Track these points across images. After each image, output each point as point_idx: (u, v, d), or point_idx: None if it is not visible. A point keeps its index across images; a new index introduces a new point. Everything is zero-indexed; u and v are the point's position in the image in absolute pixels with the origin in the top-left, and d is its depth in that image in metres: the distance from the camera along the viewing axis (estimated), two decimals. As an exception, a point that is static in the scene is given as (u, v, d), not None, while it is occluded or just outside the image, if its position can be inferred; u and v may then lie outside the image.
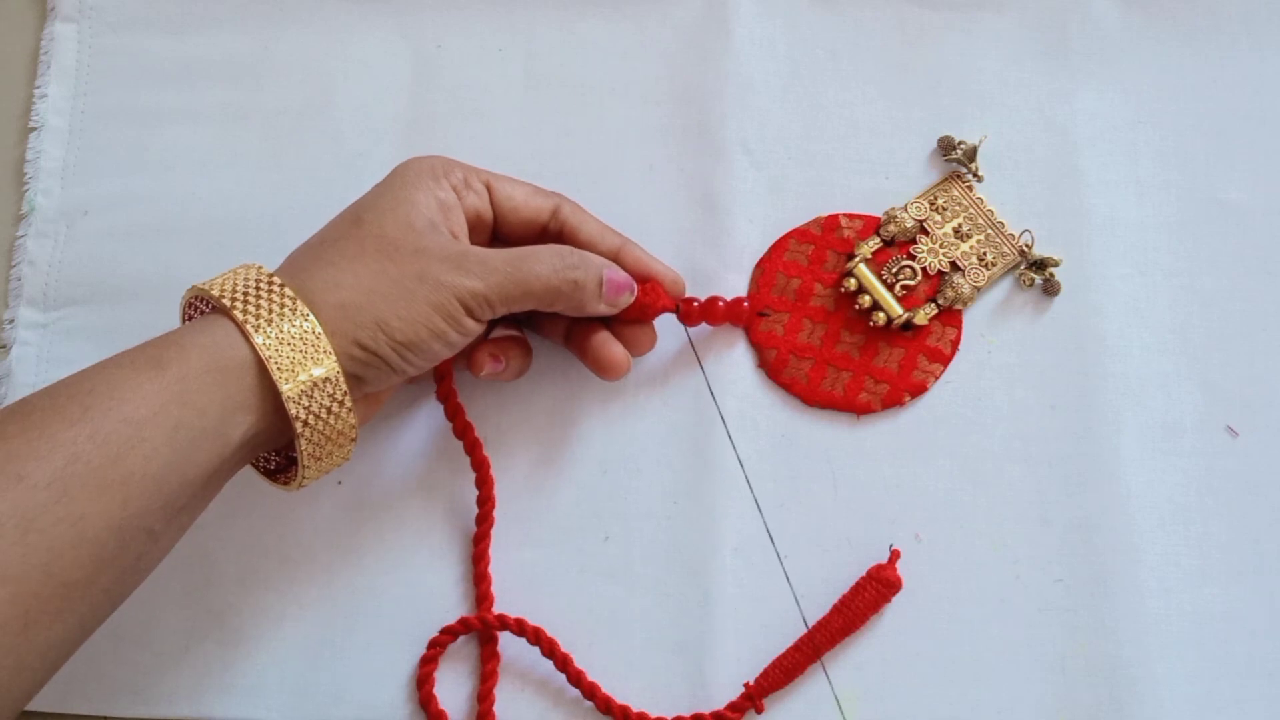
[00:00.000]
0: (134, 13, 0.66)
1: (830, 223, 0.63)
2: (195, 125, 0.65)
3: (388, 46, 0.66)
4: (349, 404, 0.49)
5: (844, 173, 0.64)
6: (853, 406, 0.60)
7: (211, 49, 0.66)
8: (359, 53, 0.66)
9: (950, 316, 0.61)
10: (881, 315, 0.60)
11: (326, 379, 0.48)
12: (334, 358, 0.48)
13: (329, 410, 0.48)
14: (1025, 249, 0.62)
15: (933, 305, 0.61)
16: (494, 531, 0.58)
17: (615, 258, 0.57)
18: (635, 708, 0.56)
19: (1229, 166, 0.64)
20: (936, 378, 0.60)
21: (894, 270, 0.61)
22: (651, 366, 0.61)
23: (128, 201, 0.64)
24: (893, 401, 0.60)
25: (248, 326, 0.47)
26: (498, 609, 0.57)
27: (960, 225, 0.62)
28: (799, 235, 0.62)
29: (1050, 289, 0.61)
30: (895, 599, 0.57)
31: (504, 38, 0.66)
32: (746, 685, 0.56)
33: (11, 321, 0.62)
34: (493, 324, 0.57)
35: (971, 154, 0.63)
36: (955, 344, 0.61)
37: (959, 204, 0.63)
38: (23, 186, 0.64)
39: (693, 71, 0.65)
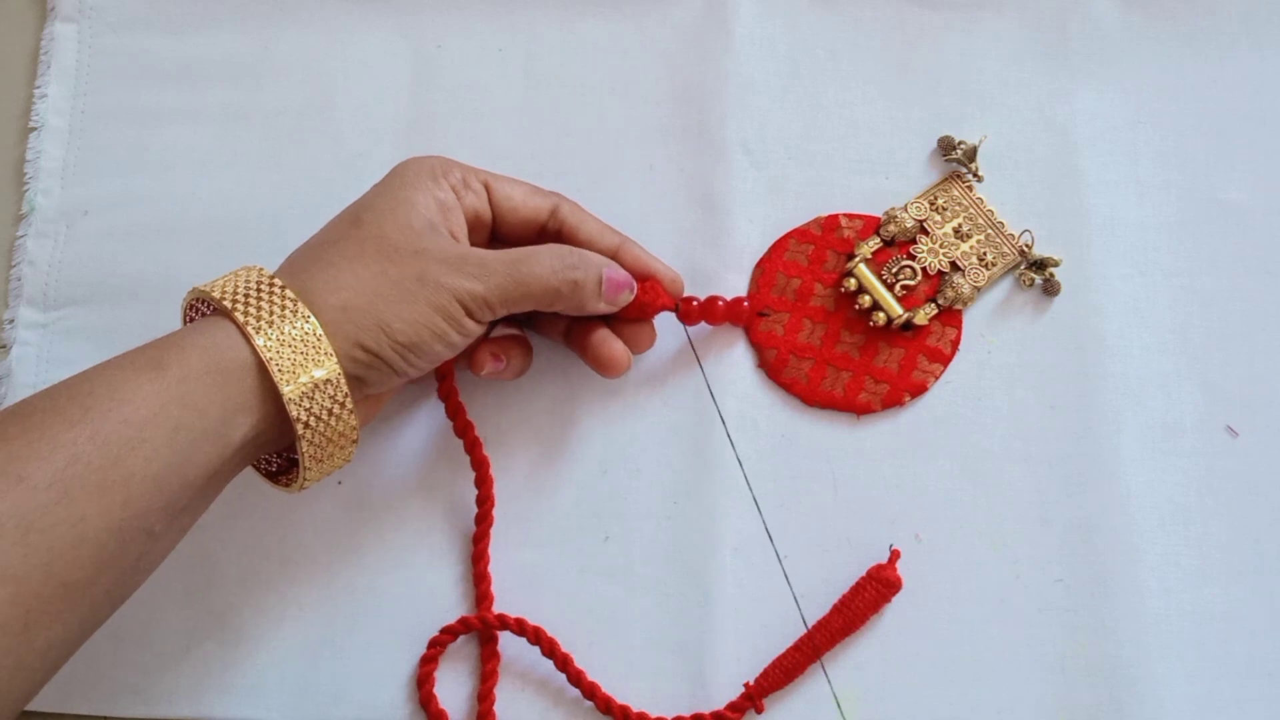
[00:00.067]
0: (134, 13, 0.66)
1: (830, 223, 0.63)
2: (195, 125, 0.65)
3: (388, 46, 0.66)
4: (350, 405, 0.49)
5: (844, 173, 0.64)
6: (853, 406, 0.60)
7: (211, 49, 0.66)
8: (359, 53, 0.66)
9: (950, 316, 0.61)
10: (881, 315, 0.60)
11: (328, 380, 0.48)
12: (335, 359, 0.48)
13: (330, 412, 0.48)
14: (1025, 249, 0.62)
15: (933, 305, 0.61)
16: (494, 531, 0.58)
17: (614, 256, 0.57)
18: (635, 708, 0.56)
19: (1229, 166, 0.64)
20: (936, 378, 0.60)
21: (894, 270, 0.61)
22: (651, 366, 0.61)
23: (128, 201, 0.64)
24: (893, 401, 0.60)
25: (248, 328, 0.47)
26: (498, 609, 0.57)
27: (960, 225, 0.62)
28: (799, 235, 0.62)
29: (1050, 289, 0.61)
30: (895, 599, 0.57)
31: (504, 38, 0.66)
32: (746, 685, 0.56)
33: (11, 321, 0.62)
34: (493, 323, 0.57)
35: (971, 154, 0.63)
36: (955, 344, 0.61)
37: (959, 204, 0.63)
38: (23, 186, 0.64)
39: (693, 71, 0.65)
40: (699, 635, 0.57)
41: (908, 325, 0.60)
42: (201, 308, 0.51)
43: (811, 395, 0.60)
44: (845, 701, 0.56)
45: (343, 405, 0.49)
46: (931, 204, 0.63)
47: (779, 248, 0.62)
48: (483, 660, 0.57)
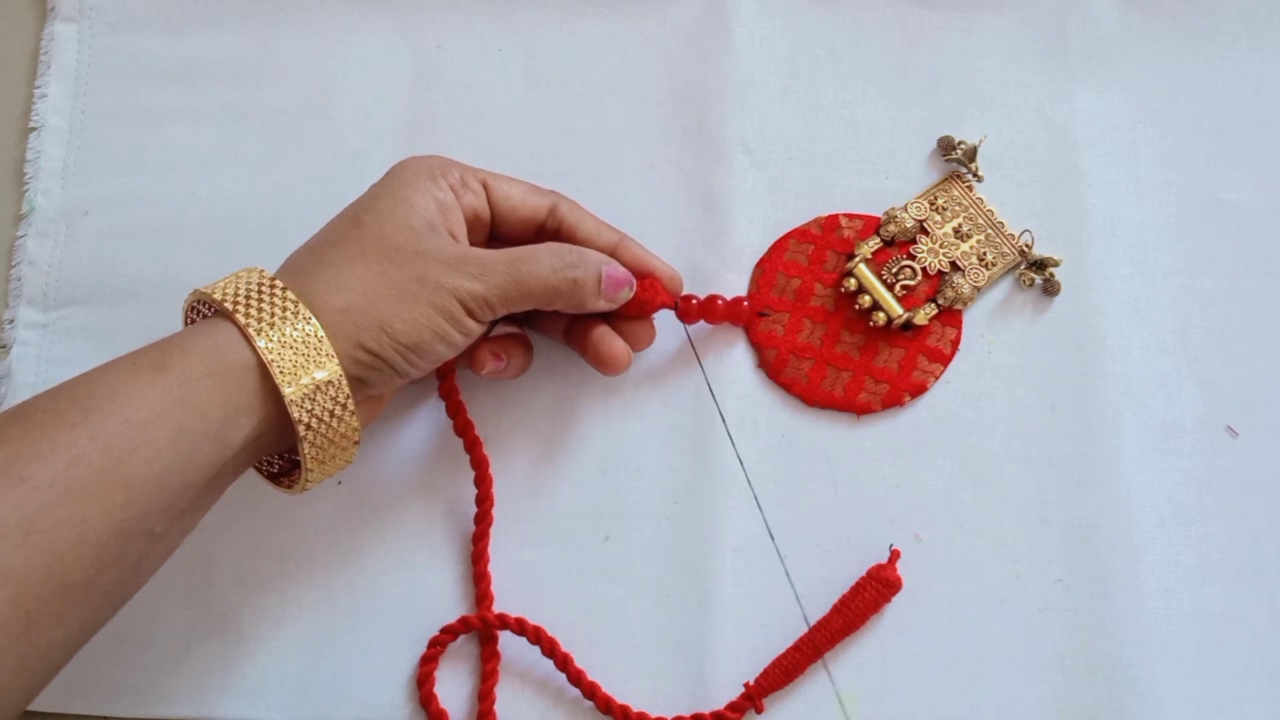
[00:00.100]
0: (134, 13, 0.66)
1: (830, 223, 0.63)
2: (195, 125, 0.65)
3: (388, 46, 0.66)
4: (351, 407, 0.49)
5: (844, 173, 0.64)
6: (853, 406, 0.60)
7: (211, 49, 0.66)
8: (359, 53, 0.66)
9: (950, 316, 0.61)
10: (881, 315, 0.60)
11: (329, 382, 0.48)
12: (336, 361, 0.48)
13: (331, 413, 0.48)
14: (1025, 249, 0.62)
15: (933, 305, 0.61)
16: (494, 531, 0.58)
17: (613, 254, 0.57)
18: (635, 708, 0.56)
19: (1229, 166, 0.64)
20: (936, 378, 0.60)
21: (894, 270, 0.61)
22: (651, 366, 0.61)
23: (128, 201, 0.64)
24: (893, 401, 0.60)
25: (250, 330, 0.47)
26: (498, 609, 0.57)
27: (960, 225, 0.62)
28: (799, 235, 0.62)
29: (1050, 289, 0.61)
30: (895, 599, 0.57)
31: (504, 38, 0.66)
32: (746, 685, 0.56)
33: (11, 321, 0.62)
34: (493, 322, 0.57)
35: (971, 154, 0.63)
36: (955, 344, 0.61)
37: (959, 204, 0.63)
38: (23, 186, 0.64)
39: (693, 71, 0.65)
40: (699, 635, 0.57)
41: (908, 325, 0.60)
42: (202, 309, 0.51)
43: (811, 395, 0.60)
44: (845, 701, 0.56)
45: (344, 406, 0.49)
46: (931, 204, 0.63)
47: (779, 248, 0.62)
48: (483, 660, 0.57)
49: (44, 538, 0.42)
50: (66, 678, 0.54)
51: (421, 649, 0.57)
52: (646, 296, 0.57)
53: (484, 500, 0.58)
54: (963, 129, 0.64)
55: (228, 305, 0.48)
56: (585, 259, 0.54)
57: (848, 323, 0.61)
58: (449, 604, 0.58)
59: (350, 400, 0.49)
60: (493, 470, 0.58)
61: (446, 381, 0.58)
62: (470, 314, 0.51)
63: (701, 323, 0.60)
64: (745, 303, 0.59)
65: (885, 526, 0.59)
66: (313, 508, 0.59)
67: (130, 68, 0.66)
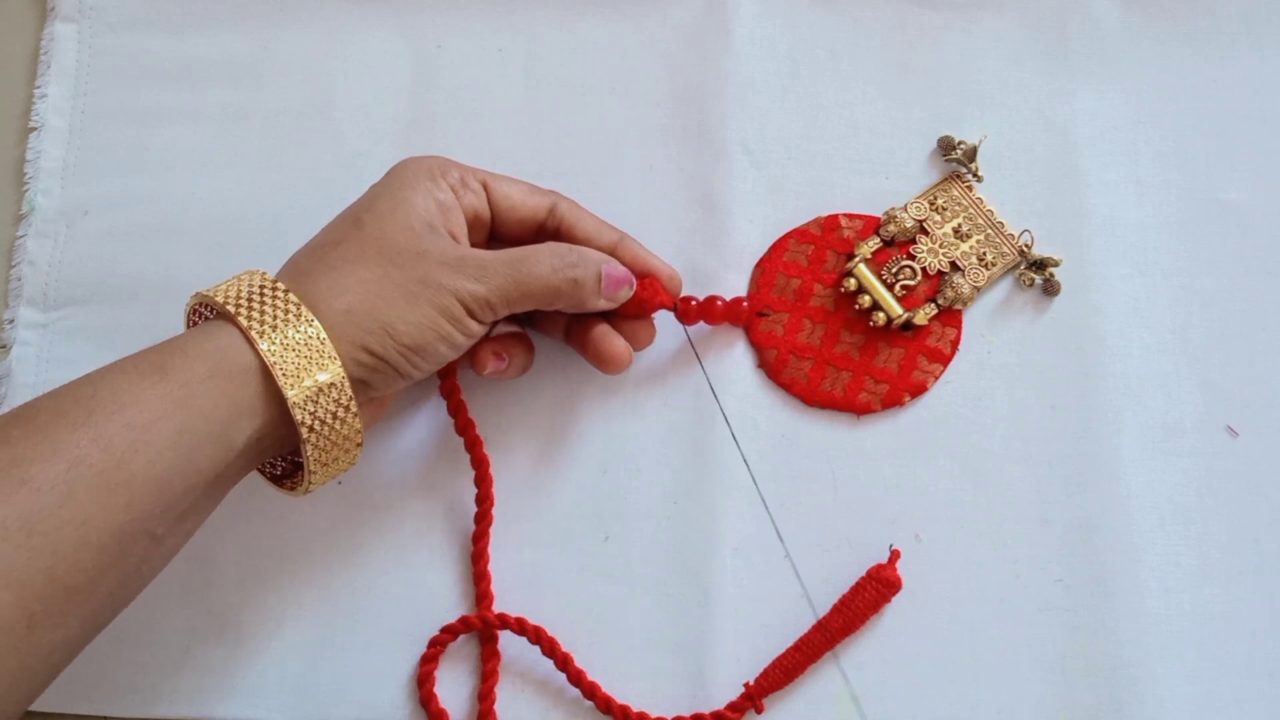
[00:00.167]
0: (134, 13, 0.66)
1: (830, 223, 0.63)
2: (195, 125, 0.65)
3: (388, 46, 0.66)
4: (354, 409, 0.49)
5: (844, 173, 0.64)
6: (853, 406, 0.60)
7: (211, 49, 0.66)
8: (359, 53, 0.66)
9: (950, 316, 0.61)
10: (881, 315, 0.60)
11: (332, 384, 0.48)
12: (339, 363, 0.48)
13: (334, 415, 0.48)
14: (1025, 249, 0.62)
15: (932, 305, 0.61)
16: (494, 531, 0.58)
17: (613, 253, 0.57)
18: (635, 708, 0.56)
19: (1229, 166, 0.64)
20: (936, 378, 0.60)
21: (894, 270, 0.61)
22: (651, 366, 0.61)
23: (128, 201, 0.64)
24: (893, 401, 0.60)
25: (252, 333, 0.47)
26: (498, 609, 0.57)
27: (960, 225, 0.62)
28: (799, 235, 0.62)
29: (1050, 289, 0.61)
30: (895, 599, 0.57)
31: (504, 38, 0.66)
32: (746, 685, 0.56)
33: (11, 321, 0.62)
34: (494, 322, 0.57)
35: (971, 154, 0.63)
36: (955, 344, 0.61)
37: (959, 204, 0.63)
38: (23, 186, 0.64)
39: (693, 71, 0.65)
40: (699, 635, 0.57)
41: (907, 325, 0.60)
42: (205, 312, 0.51)
43: (811, 395, 0.60)
44: (845, 701, 0.56)
45: (347, 409, 0.49)
46: (931, 204, 0.63)
47: (779, 248, 0.62)
48: (483, 660, 0.57)
49: (46, 539, 0.42)
50: (67, 678, 0.54)
51: (421, 649, 0.57)
52: (646, 296, 0.57)
53: (484, 500, 0.58)
54: (963, 129, 0.64)
55: (230, 308, 0.48)
56: (585, 258, 0.54)
57: (847, 323, 0.61)
58: (449, 604, 0.58)
59: (353, 402, 0.49)
60: (493, 470, 0.58)
61: (448, 381, 0.58)
62: (472, 315, 0.51)
63: (701, 323, 0.60)
64: (745, 303, 0.59)
65: (885, 526, 0.59)
66: (313, 508, 0.59)
67: (130, 68, 0.66)
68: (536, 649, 0.56)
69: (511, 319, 0.59)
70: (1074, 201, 0.63)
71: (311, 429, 0.48)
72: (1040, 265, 0.61)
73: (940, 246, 0.62)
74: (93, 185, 0.64)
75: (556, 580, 0.58)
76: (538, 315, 0.59)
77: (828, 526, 0.59)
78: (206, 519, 0.49)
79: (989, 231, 0.62)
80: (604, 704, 0.56)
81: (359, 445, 0.50)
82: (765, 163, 0.64)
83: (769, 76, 0.65)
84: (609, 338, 0.57)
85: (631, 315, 0.58)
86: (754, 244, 0.63)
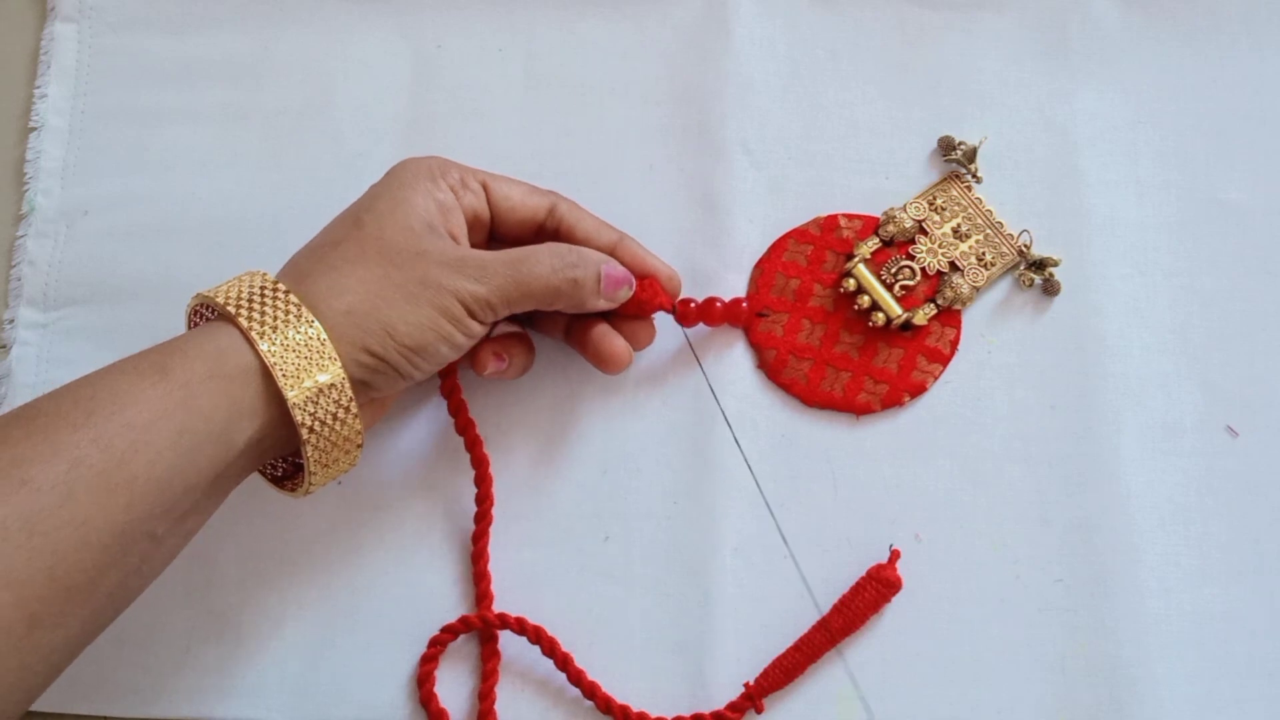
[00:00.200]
0: (134, 13, 0.66)
1: (829, 223, 0.63)
2: (195, 125, 0.65)
3: (388, 46, 0.66)
4: (355, 410, 0.49)
5: (844, 173, 0.64)
6: (852, 407, 0.60)
7: (211, 49, 0.66)
8: (359, 53, 0.66)
9: (949, 317, 0.61)
10: (881, 315, 0.60)
11: (332, 385, 0.48)
12: (339, 364, 0.48)
13: (335, 416, 0.48)
14: (1024, 249, 0.62)
15: (932, 305, 0.61)
16: (494, 531, 0.58)
17: (612, 253, 0.57)
18: (635, 708, 0.56)
19: (1229, 166, 0.64)
20: (936, 378, 0.60)
21: (893, 270, 0.61)
22: (651, 366, 0.61)
23: (128, 201, 0.64)
24: (892, 402, 0.60)
25: (252, 333, 0.47)
26: (497, 609, 0.57)
27: (959, 225, 0.62)
28: (798, 235, 0.62)
29: (1050, 289, 0.61)
30: (895, 599, 0.57)
31: (504, 38, 0.66)
32: (746, 685, 0.56)
33: (11, 321, 0.62)
34: (494, 322, 0.57)
35: (971, 155, 0.63)
36: (954, 344, 0.61)
37: (957, 204, 0.63)
38: (23, 186, 0.64)
39: (693, 71, 0.65)
40: (699, 635, 0.57)
41: (907, 325, 0.60)
42: (205, 313, 0.51)
43: (811, 396, 0.60)
44: (845, 701, 0.56)
45: (347, 410, 0.49)
46: (930, 204, 0.63)
47: (778, 248, 0.62)
48: (483, 659, 0.57)
49: (46, 540, 0.42)
50: (67, 678, 0.54)
51: (421, 649, 0.57)
52: (645, 297, 0.57)
53: (484, 500, 0.58)
54: (963, 129, 0.64)
55: (230, 308, 0.48)
56: (584, 258, 0.54)
57: (847, 323, 0.61)
58: (449, 604, 0.58)
59: (353, 403, 0.49)
60: (493, 470, 0.58)
61: (448, 380, 0.58)
62: (472, 315, 0.51)
63: (701, 324, 0.60)
64: (744, 304, 0.59)
65: (885, 526, 0.59)
66: (313, 508, 0.59)
67: (130, 68, 0.66)
68: (537, 649, 0.56)
69: (511, 319, 0.59)
70: (1074, 201, 0.63)
71: (312, 430, 0.48)
72: (1040, 265, 0.61)
73: (939, 247, 0.62)
74: (93, 185, 0.64)
75: (556, 580, 0.58)
76: (537, 315, 0.59)
77: (828, 526, 0.59)
78: (207, 520, 0.49)
79: (988, 231, 0.62)
80: (604, 704, 0.56)
81: (359, 446, 0.50)
82: (765, 163, 0.64)
83: (769, 76, 0.65)
84: (609, 338, 0.57)
85: (631, 316, 0.58)
86: (754, 244, 0.63)
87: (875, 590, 0.57)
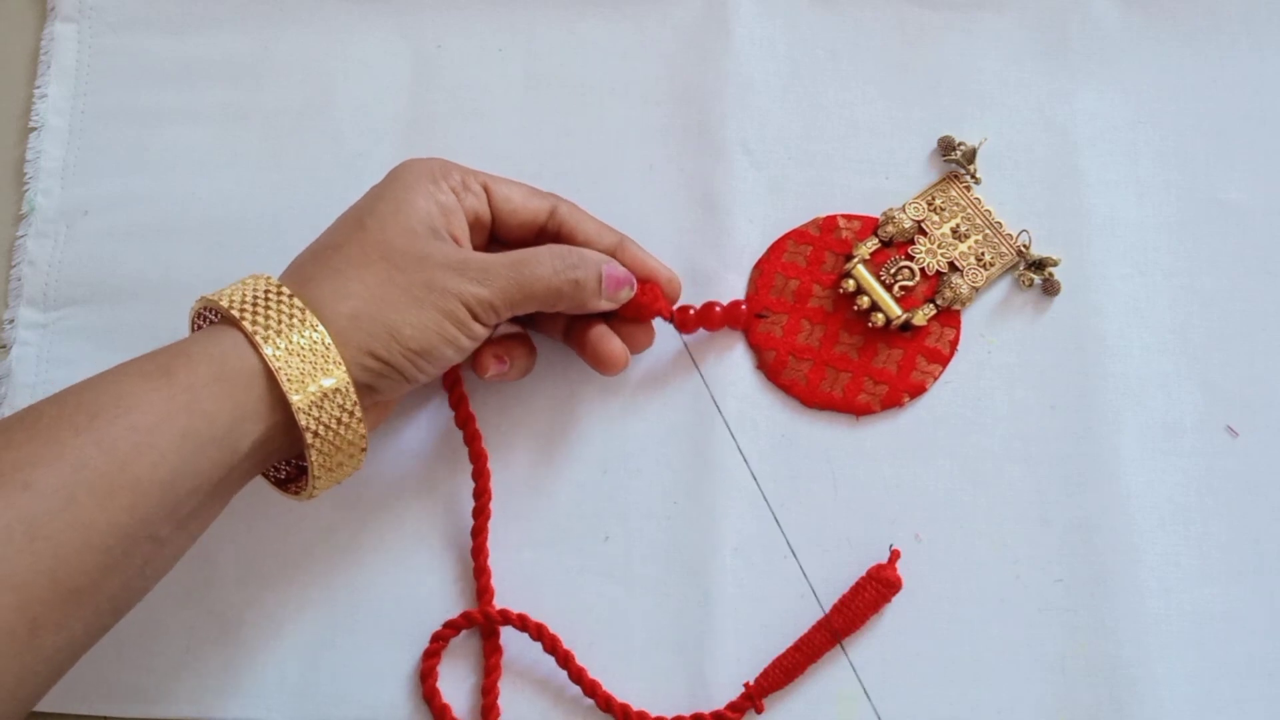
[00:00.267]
0: (134, 13, 0.66)
1: (828, 224, 0.63)
2: (195, 125, 0.65)
3: (388, 46, 0.66)
4: (359, 414, 0.49)
5: (844, 173, 0.64)
6: (852, 407, 0.60)
7: (211, 49, 0.66)
8: (359, 53, 0.66)
9: (949, 317, 0.61)
10: (880, 316, 0.60)
11: (336, 389, 0.48)
12: (344, 368, 0.48)
13: (339, 420, 0.48)
14: (1023, 249, 0.62)
15: (931, 306, 0.61)
16: (494, 532, 0.58)
17: (613, 255, 0.57)
18: (635, 707, 0.56)
19: (1229, 166, 0.64)
20: (935, 378, 0.60)
21: (892, 271, 0.61)
22: (651, 367, 0.61)
23: (128, 201, 0.63)
24: (892, 402, 0.60)
25: (257, 337, 0.47)
26: (498, 609, 0.57)
27: (958, 226, 0.62)
28: (797, 236, 0.62)
29: (1050, 289, 0.61)
30: (895, 599, 0.57)
31: (504, 38, 0.66)
32: (746, 685, 0.56)
33: (11, 321, 0.62)
34: (497, 325, 0.57)
35: (971, 155, 0.63)
36: (954, 344, 0.61)
37: (957, 204, 0.63)
38: (23, 186, 0.64)
39: (693, 71, 0.65)
40: (699, 635, 0.57)
41: (906, 326, 0.60)
42: (209, 316, 0.51)
43: (811, 396, 0.60)
44: (845, 701, 0.56)
45: (352, 414, 0.49)
46: (929, 204, 0.63)
47: (777, 249, 0.62)
48: (485, 654, 0.57)
49: (48, 543, 0.42)
50: (68, 678, 0.54)
51: (421, 649, 0.57)
52: (645, 302, 0.57)
53: (482, 494, 0.58)
54: (963, 129, 0.64)
55: (234, 312, 0.48)
56: (585, 259, 0.54)
57: (846, 324, 0.61)
58: (449, 603, 0.58)
59: (358, 408, 0.49)
60: (493, 470, 0.58)
61: (450, 373, 0.58)
62: (476, 318, 0.51)
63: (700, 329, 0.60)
64: (743, 305, 0.60)
65: (885, 526, 0.59)
66: (313, 508, 0.59)
67: (130, 68, 0.66)
68: (537, 647, 0.56)
69: (512, 320, 0.59)
70: (1074, 201, 0.63)
71: (316, 434, 0.48)
72: (1039, 265, 0.61)
73: (938, 247, 0.62)
74: (93, 185, 0.64)
75: (556, 580, 0.58)
76: (537, 316, 0.59)
77: (828, 527, 0.59)
78: (211, 523, 0.49)
79: (987, 232, 0.62)
80: (604, 702, 0.56)
81: (364, 450, 0.50)
82: (765, 163, 0.64)
83: (769, 76, 0.65)
84: (607, 339, 0.57)
85: (630, 319, 0.58)
86: (754, 244, 0.63)
87: (875, 590, 0.57)
